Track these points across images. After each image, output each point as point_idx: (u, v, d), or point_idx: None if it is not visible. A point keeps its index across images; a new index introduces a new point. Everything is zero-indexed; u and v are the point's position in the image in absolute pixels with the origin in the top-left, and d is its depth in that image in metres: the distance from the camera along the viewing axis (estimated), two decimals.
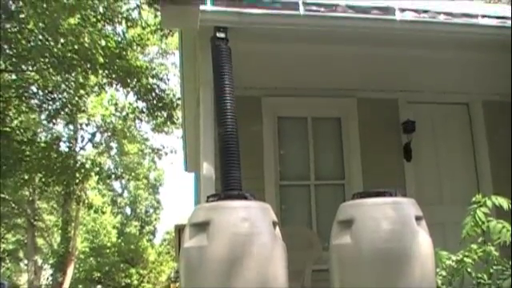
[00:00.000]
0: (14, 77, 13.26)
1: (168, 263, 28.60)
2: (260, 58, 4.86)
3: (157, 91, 14.96)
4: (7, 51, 12.28)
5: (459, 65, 5.11)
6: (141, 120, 17.02)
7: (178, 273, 3.24)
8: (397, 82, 5.64)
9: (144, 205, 30.81)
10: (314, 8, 4.08)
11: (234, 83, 3.78)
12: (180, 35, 5.04)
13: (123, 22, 13.66)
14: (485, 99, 5.89)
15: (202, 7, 3.84)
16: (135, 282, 27.25)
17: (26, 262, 24.33)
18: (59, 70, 12.41)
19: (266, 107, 5.64)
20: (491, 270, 3.28)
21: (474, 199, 3.41)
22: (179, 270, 2.88)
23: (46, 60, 12.17)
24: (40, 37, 12.13)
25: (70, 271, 21.62)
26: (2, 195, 17.03)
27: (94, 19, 12.79)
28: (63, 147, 16.21)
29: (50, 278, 24.29)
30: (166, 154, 19.39)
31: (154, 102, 14.90)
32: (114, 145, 21.37)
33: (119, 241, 28.12)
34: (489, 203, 3.33)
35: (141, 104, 15.55)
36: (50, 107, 14.19)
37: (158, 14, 11.03)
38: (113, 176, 17.78)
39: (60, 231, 22.85)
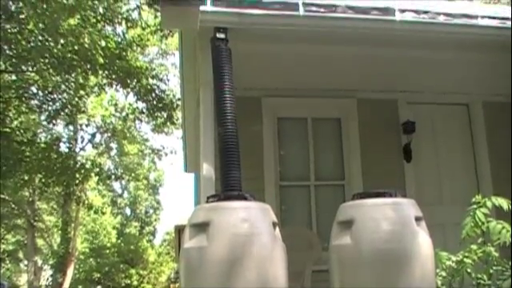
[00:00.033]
0: (13, 77, 13.25)
1: (168, 264, 28.59)
2: (260, 59, 4.86)
3: (157, 92, 14.96)
4: (7, 52, 12.27)
5: (459, 65, 5.11)
6: (141, 120, 17.04)
7: (178, 273, 3.24)
8: (397, 83, 5.64)
9: (144, 205, 30.79)
10: (314, 9, 4.09)
11: (234, 84, 3.79)
12: (180, 36, 5.04)
13: (123, 22, 13.65)
14: (485, 100, 5.89)
15: (201, 8, 3.84)
16: (135, 283, 27.22)
17: (25, 262, 24.33)
18: (59, 70, 12.41)
19: (266, 108, 5.64)
20: (491, 271, 3.28)
21: (473, 200, 3.41)
22: (179, 270, 2.88)
23: (46, 60, 12.16)
24: (40, 37, 12.12)
25: (70, 272, 21.61)
26: (2, 196, 17.03)
27: (94, 20, 12.78)
28: (63, 148, 16.24)
29: (50, 279, 24.27)
30: (166, 154, 19.44)
31: (154, 102, 14.90)
32: (113, 145, 21.40)
33: (119, 241, 28.11)
34: (489, 204, 3.33)
35: (141, 104, 15.57)
36: (49, 108, 14.19)
37: (158, 14, 11.04)
38: (113, 177, 17.78)
39: (60, 232, 22.84)
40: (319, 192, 5.69)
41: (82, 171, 14.40)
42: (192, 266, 2.67)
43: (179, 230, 14.48)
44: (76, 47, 12.16)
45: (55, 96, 14.00)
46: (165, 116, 15.39)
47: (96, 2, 12.88)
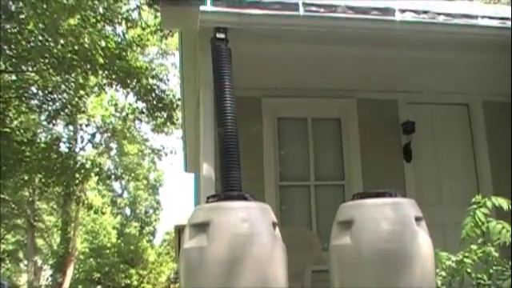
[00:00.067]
0: (13, 77, 13.25)
1: (168, 264, 28.58)
2: (260, 59, 4.87)
3: (157, 92, 14.96)
4: (7, 52, 12.28)
5: (459, 65, 5.11)
6: (141, 120, 17.05)
7: (178, 273, 3.24)
8: (397, 83, 5.64)
9: (144, 205, 30.78)
10: (314, 9, 4.09)
11: (234, 84, 3.79)
12: (180, 36, 5.04)
13: (123, 22, 13.65)
14: (485, 100, 5.89)
15: (201, 8, 3.84)
16: (135, 283, 27.22)
17: (25, 262, 24.33)
18: (59, 70, 12.41)
19: (266, 108, 5.64)
20: (491, 271, 3.28)
21: (473, 200, 3.41)
22: (179, 270, 2.88)
23: (46, 61, 12.17)
24: (40, 37, 12.12)
25: (70, 272, 21.61)
26: (2, 196, 17.03)
27: (94, 20, 12.78)
28: (63, 148, 16.23)
29: (50, 279, 24.27)
30: (166, 154, 19.42)
31: (154, 102, 14.90)
32: (113, 145, 21.39)
33: (119, 241, 28.09)
34: (489, 204, 3.33)
35: (141, 104, 15.57)
36: (49, 108, 14.19)
37: (158, 14, 11.03)
38: (112, 176, 17.76)
39: (60, 232, 22.84)
40: (319, 192, 5.69)
41: (82, 171, 14.41)
42: (192, 266, 2.67)
43: (179, 230, 14.47)
44: (76, 47, 12.17)
45: (55, 96, 14.00)
46: (165, 116, 15.39)
47: (96, 2, 12.88)
